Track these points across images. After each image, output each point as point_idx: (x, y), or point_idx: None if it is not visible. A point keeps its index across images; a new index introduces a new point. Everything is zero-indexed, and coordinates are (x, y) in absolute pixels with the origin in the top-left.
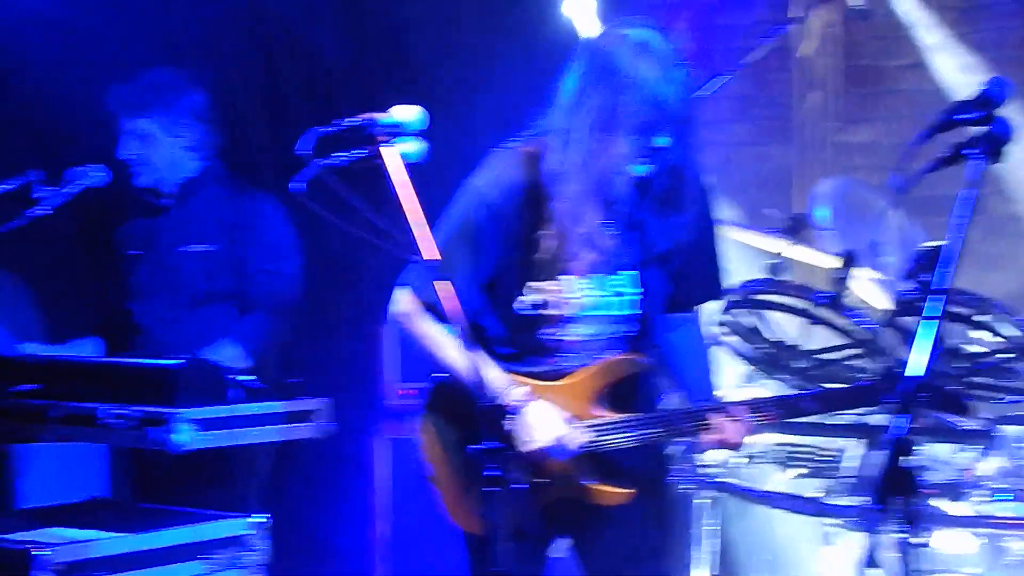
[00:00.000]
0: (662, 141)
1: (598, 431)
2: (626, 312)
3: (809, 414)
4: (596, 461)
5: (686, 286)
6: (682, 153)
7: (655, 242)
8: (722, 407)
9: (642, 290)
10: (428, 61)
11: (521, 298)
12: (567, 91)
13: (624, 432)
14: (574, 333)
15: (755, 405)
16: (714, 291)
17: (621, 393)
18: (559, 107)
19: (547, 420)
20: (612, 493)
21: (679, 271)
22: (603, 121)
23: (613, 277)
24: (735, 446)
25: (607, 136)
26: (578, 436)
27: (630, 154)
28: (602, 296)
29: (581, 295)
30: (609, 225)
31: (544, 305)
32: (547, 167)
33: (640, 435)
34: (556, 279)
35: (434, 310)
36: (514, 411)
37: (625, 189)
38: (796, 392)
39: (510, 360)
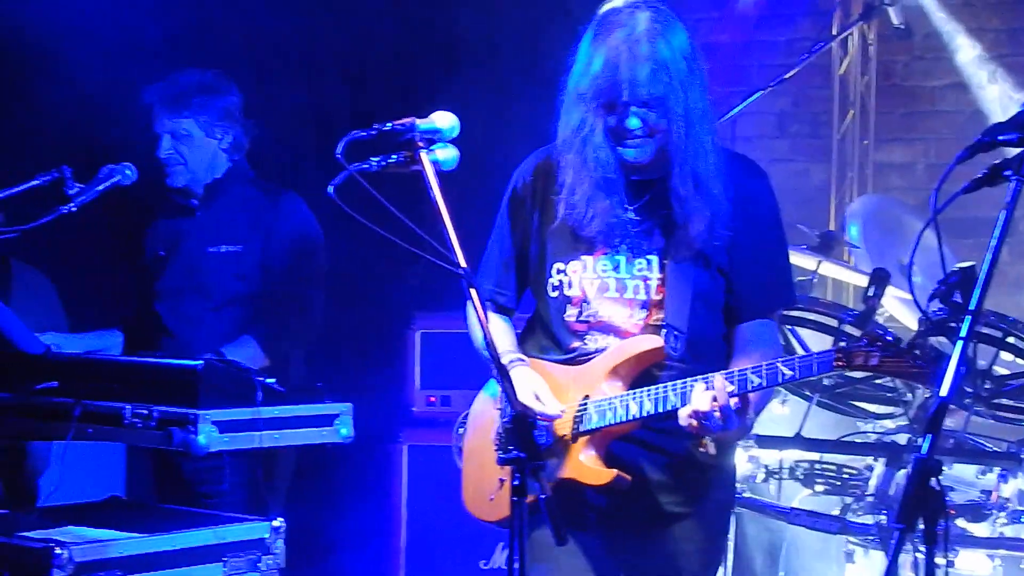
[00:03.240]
0: (633, 123)
1: (596, 406)
2: (647, 297)
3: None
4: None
5: (743, 294)
6: (680, 145)
7: (693, 238)
8: (705, 378)
9: (660, 276)
10: (471, 65)
11: (549, 279)
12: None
13: (616, 408)
14: (594, 315)
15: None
16: (773, 300)
17: (639, 378)
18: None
19: (525, 386)
20: (596, 471)
21: (735, 277)
22: (579, 99)
23: (638, 260)
24: (715, 428)
25: (586, 114)
26: (556, 403)
27: (610, 134)
28: (621, 278)
29: (597, 276)
30: (625, 208)
31: (565, 287)
32: (557, 145)
33: (629, 412)
34: (578, 259)
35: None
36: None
37: (619, 171)
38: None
39: (543, 349)
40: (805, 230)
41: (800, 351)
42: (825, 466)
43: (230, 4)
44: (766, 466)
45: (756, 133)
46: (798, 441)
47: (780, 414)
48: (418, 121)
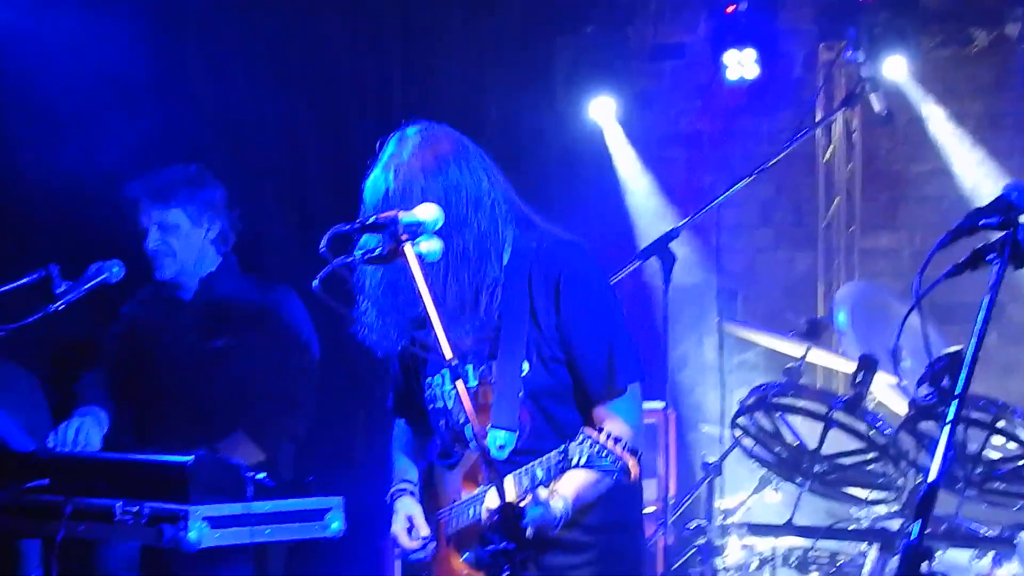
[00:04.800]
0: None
1: (450, 511)
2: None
3: None
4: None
5: (580, 382)
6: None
7: (496, 334)
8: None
9: (476, 382)
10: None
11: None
12: None
13: (459, 513)
14: (449, 425)
15: None
16: (607, 387)
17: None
18: None
19: (398, 524)
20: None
21: (568, 364)
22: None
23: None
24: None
25: None
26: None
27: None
28: (452, 387)
29: (440, 387)
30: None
31: (430, 399)
32: None
33: (467, 515)
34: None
35: None
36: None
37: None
38: None
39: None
40: (792, 317)
41: (790, 438)
42: (819, 553)
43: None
44: (760, 554)
45: (740, 222)
46: (790, 528)
47: (772, 501)
48: (401, 214)
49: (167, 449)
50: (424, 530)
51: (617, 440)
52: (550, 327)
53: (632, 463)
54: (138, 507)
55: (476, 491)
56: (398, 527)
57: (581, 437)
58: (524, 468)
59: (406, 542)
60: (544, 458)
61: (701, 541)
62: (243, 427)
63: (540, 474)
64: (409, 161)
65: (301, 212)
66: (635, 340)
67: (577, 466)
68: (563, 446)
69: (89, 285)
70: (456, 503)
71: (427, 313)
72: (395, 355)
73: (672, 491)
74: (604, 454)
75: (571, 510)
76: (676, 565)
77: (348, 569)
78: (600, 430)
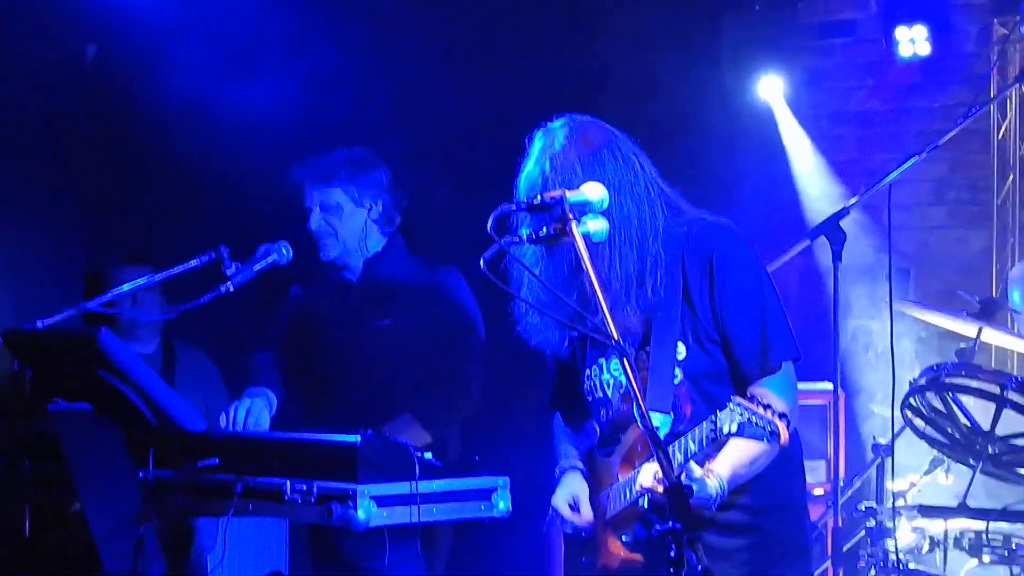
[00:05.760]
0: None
1: (607, 494)
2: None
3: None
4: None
5: (734, 361)
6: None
7: (651, 319)
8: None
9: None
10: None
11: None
12: None
13: (616, 495)
14: (608, 414)
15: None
16: (760, 364)
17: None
18: None
19: (561, 495)
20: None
21: (722, 344)
22: None
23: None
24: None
25: None
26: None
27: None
28: (611, 376)
29: (599, 377)
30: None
31: (590, 391)
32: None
33: (624, 496)
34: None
35: None
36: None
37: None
38: None
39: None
40: (966, 297)
41: (963, 419)
42: (992, 536)
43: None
44: (931, 536)
45: (913, 201)
46: (963, 510)
47: (944, 483)
48: (568, 193)
49: (335, 430)
50: (587, 511)
51: (767, 407)
52: (704, 308)
53: (782, 428)
54: (307, 486)
55: (632, 473)
56: (561, 499)
57: (731, 405)
58: (677, 442)
59: (567, 513)
60: (695, 429)
61: (871, 524)
62: (410, 409)
63: (692, 446)
64: (563, 150)
65: (468, 195)
66: (790, 319)
67: (729, 434)
68: (713, 416)
69: (259, 266)
70: (612, 486)
71: (593, 295)
72: (551, 354)
73: (842, 473)
74: (754, 419)
75: (727, 489)
76: (845, 548)
77: (514, 549)
78: (751, 398)
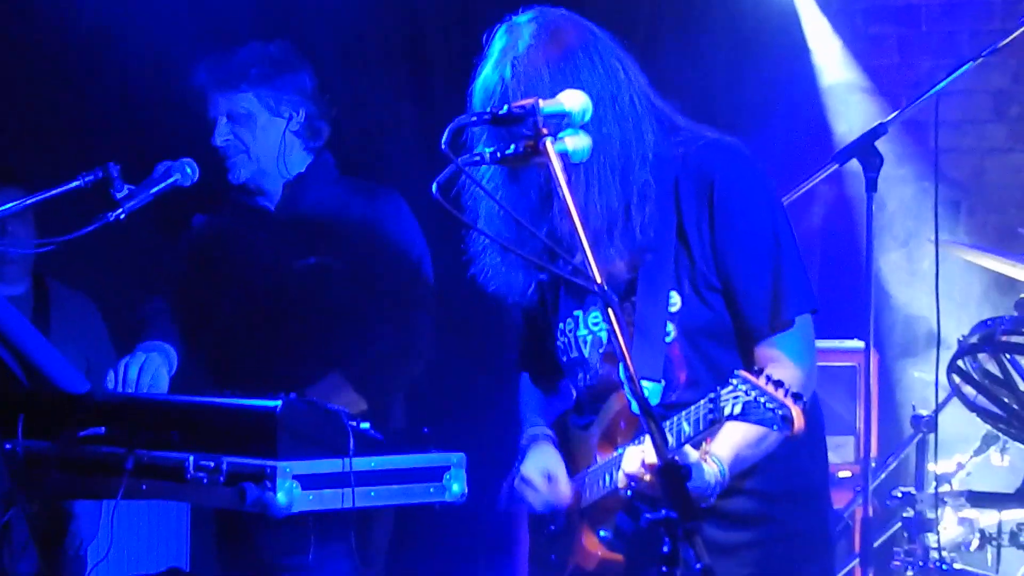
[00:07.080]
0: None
1: (583, 479)
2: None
3: None
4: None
5: (738, 313)
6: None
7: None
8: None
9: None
10: None
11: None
12: None
13: (593, 480)
14: (586, 378)
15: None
16: (770, 319)
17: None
18: None
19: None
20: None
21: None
22: None
23: (593, 309)
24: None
25: None
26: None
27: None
28: (589, 331)
29: (574, 332)
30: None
31: (563, 349)
32: None
33: (603, 483)
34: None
35: None
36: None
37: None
38: None
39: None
40: None
41: (1020, 382)
42: None
43: None
44: (982, 530)
45: (966, 116)
46: (1020, 498)
47: (998, 465)
48: (542, 103)
49: (248, 393)
50: (566, 488)
51: (779, 384)
52: (703, 248)
53: (796, 412)
54: (215, 462)
55: (614, 454)
56: (533, 470)
57: (735, 382)
58: (668, 422)
59: (542, 485)
60: (692, 408)
61: (909, 514)
62: (342, 369)
63: (687, 428)
64: (528, 53)
65: (414, 102)
66: (807, 262)
67: (731, 417)
68: (713, 393)
69: (156, 189)
70: (590, 468)
71: (572, 229)
72: (515, 303)
73: (874, 451)
74: (763, 401)
75: (728, 476)
76: (877, 543)
77: (469, 542)
78: (758, 373)
